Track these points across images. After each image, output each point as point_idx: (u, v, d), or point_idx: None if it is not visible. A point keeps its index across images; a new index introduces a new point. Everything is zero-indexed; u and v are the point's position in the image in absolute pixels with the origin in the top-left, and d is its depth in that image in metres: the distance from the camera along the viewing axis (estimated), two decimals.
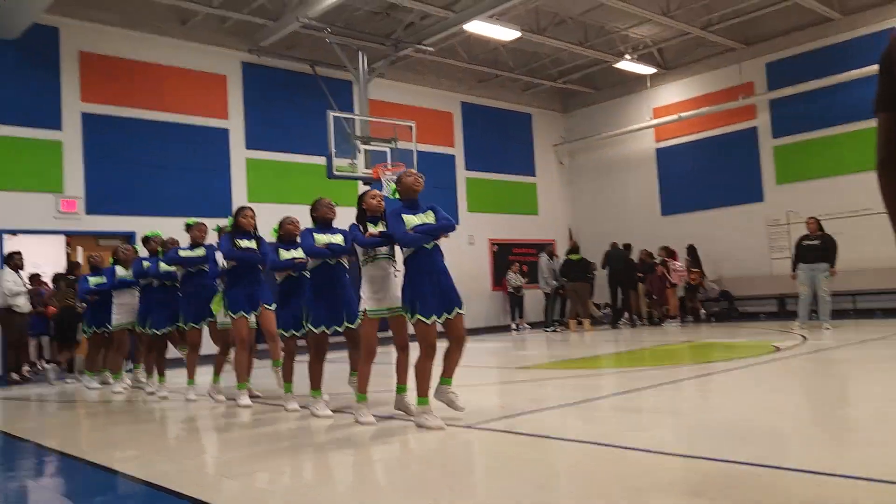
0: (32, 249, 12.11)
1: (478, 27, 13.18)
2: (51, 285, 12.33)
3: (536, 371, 7.69)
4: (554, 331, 14.80)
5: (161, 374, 7.66)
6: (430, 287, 4.56)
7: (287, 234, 6.02)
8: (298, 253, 5.75)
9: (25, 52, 11.40)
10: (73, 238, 11.97)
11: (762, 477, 2.96)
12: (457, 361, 4.80)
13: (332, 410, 5.35)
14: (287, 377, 5.92)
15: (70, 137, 11.75)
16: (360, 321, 5.02)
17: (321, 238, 5.37)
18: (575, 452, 3.75)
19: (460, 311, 4.66)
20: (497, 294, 17.07)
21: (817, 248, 10.96)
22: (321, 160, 12.62)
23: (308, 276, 5.60)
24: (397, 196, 4.84)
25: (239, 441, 4.74)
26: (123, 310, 8.07)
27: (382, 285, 4.90)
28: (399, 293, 4.74)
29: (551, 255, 15.85)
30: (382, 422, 4.89)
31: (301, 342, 5.83)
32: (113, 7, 12.25)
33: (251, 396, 6.41)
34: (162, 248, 7.63)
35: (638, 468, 3.27)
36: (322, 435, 4.69)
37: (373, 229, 4.96)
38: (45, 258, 13.22)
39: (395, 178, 11.70)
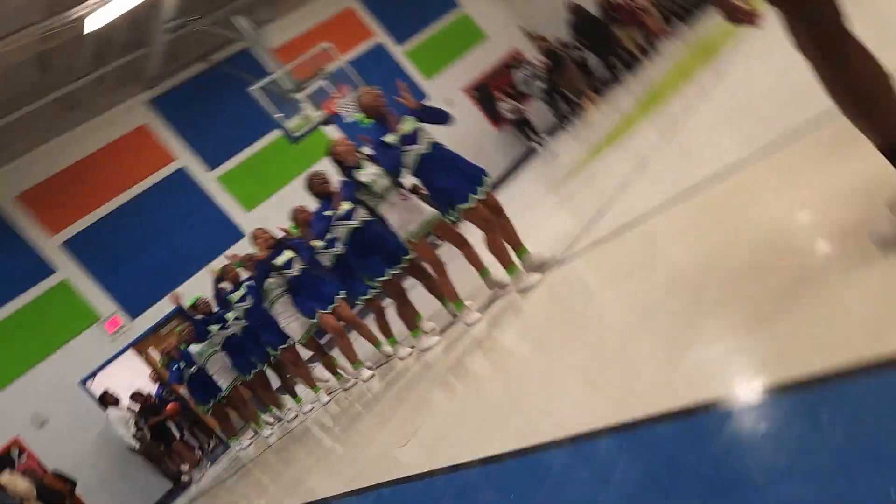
0: (115, 378, 12.45)
1: None
2: (154, 389, 12.74)
3: (581, 171, 7.56)
4: (570, 123, 14.47)
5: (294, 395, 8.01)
6: (452, 176, 4.46)
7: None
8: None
9: None
10: (139, 345, 12.21)
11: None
12: (513, 231, 4.72)
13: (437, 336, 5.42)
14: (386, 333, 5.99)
15: (69, 270, 11.75)
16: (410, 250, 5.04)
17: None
18: (668, 218, 3.63)
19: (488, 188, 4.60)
20: (504, 133, 16.67)
21: None
22: (278, 133, 12.29)
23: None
24: (368, 122, 4.67)
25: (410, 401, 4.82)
26: (222, 373, 8.27)
27: (408, 209, 4.88)
28: (424, 206, 4.70)
29: (520, 63, 15.30)
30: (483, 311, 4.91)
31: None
32: (12, 140, 11.84)
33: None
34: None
35: (743, 196, 3.12)
36: (440, 356, 4.74)
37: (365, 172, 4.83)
38: (131, 374, 13.61)
39: (349, 104, 11.42)
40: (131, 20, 11.77)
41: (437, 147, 4.57)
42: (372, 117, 4.64)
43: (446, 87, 16.15)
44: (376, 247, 5.34)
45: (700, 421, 1.67)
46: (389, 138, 4.50)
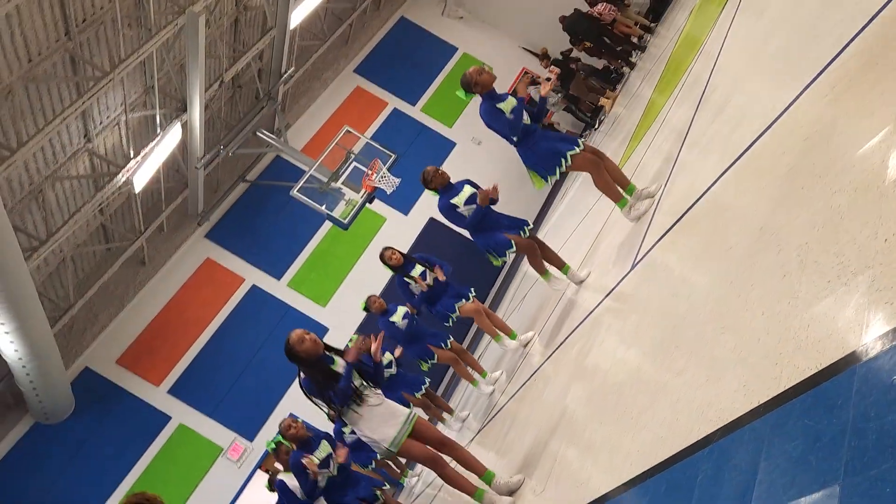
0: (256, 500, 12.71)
1: None
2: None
3: (626, 164, 7.50)
4: (597, 123, 14.40)
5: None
6: (545, 140, 5.04)
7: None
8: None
9: (86, 413, 11.90)
10: (265, 464, 12.49)
11: None
12: (617, 170, 5.15)
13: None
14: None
15: (182, 413, 12.23)
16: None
17: (460, 200, 5.75)
18: (736, 176, 3.55)
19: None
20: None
21: None
22: (328, 226, 12.67)
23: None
24: (470, 96, 5.05)
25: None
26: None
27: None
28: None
29: (535, 81, 15.39)
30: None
31: None
32: (98, 311, 12.54)
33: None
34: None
35: (808, 125, 3.10)
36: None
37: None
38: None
39: (385, 175, 11.66)
40: (169, 169, 12.50)
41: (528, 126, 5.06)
42: (484, 92, 5.00)
43: (469, 129, 16.34)
44: (497, 224, 5.75)
45: None
46: (503, 105, 4.96)
